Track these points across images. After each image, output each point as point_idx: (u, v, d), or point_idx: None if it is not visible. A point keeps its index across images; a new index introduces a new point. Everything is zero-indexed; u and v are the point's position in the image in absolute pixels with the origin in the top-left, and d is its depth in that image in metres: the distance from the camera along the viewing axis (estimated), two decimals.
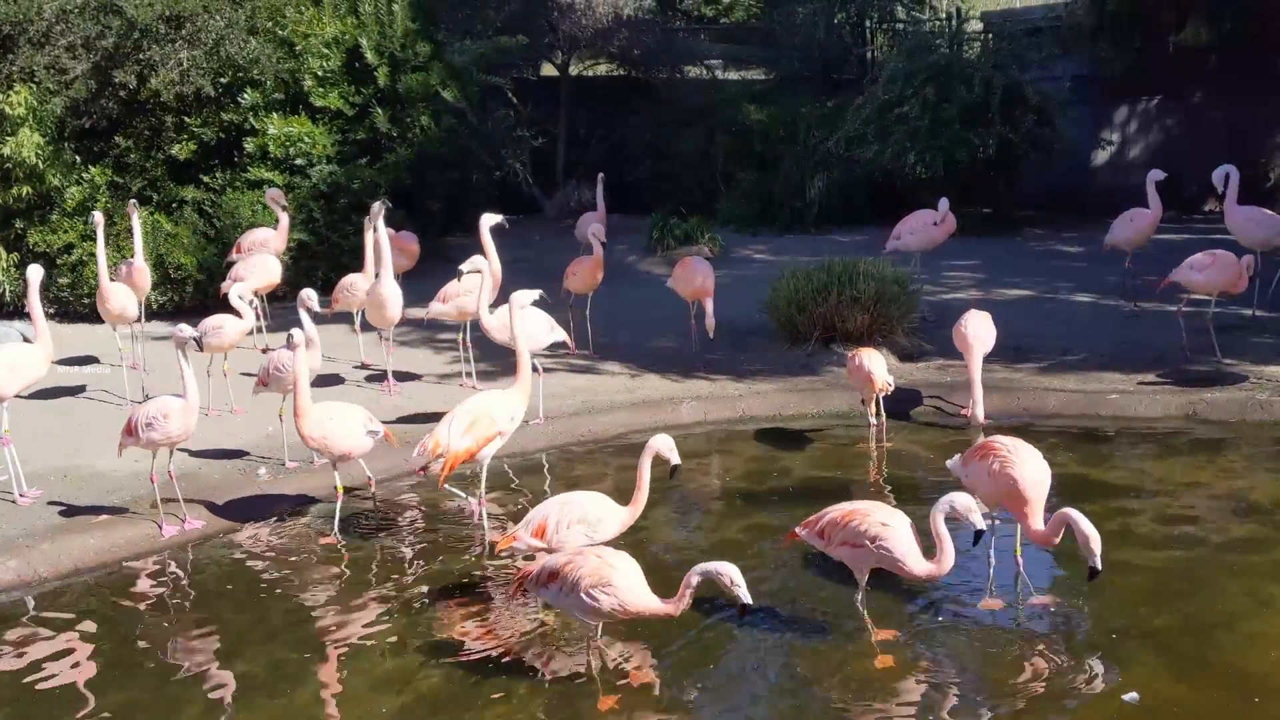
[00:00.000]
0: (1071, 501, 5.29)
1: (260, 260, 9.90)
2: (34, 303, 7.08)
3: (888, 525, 4.82)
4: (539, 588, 4.79)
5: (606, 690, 4.66)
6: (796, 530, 5.21)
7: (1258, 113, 15.34)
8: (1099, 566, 4.70)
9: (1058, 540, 4.96)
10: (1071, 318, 10.25)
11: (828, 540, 5.01)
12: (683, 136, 16.78)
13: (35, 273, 7.26)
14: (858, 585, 5.05)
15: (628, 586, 4.56)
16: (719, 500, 6.94)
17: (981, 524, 4.72)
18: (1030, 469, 5.08)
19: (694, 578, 4.47)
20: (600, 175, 12.16)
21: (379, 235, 8.53)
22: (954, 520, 4.73)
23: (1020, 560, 5.43)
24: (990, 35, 16.84)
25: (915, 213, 10.76)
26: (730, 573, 4.42)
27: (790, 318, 9.52)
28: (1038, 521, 5.01)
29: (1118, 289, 10.69)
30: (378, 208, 8.68)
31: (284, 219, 10.42)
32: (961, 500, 4.72)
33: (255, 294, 9.50)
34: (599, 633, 4.85)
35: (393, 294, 8.47)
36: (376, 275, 8.65)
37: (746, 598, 4.43)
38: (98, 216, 8.99)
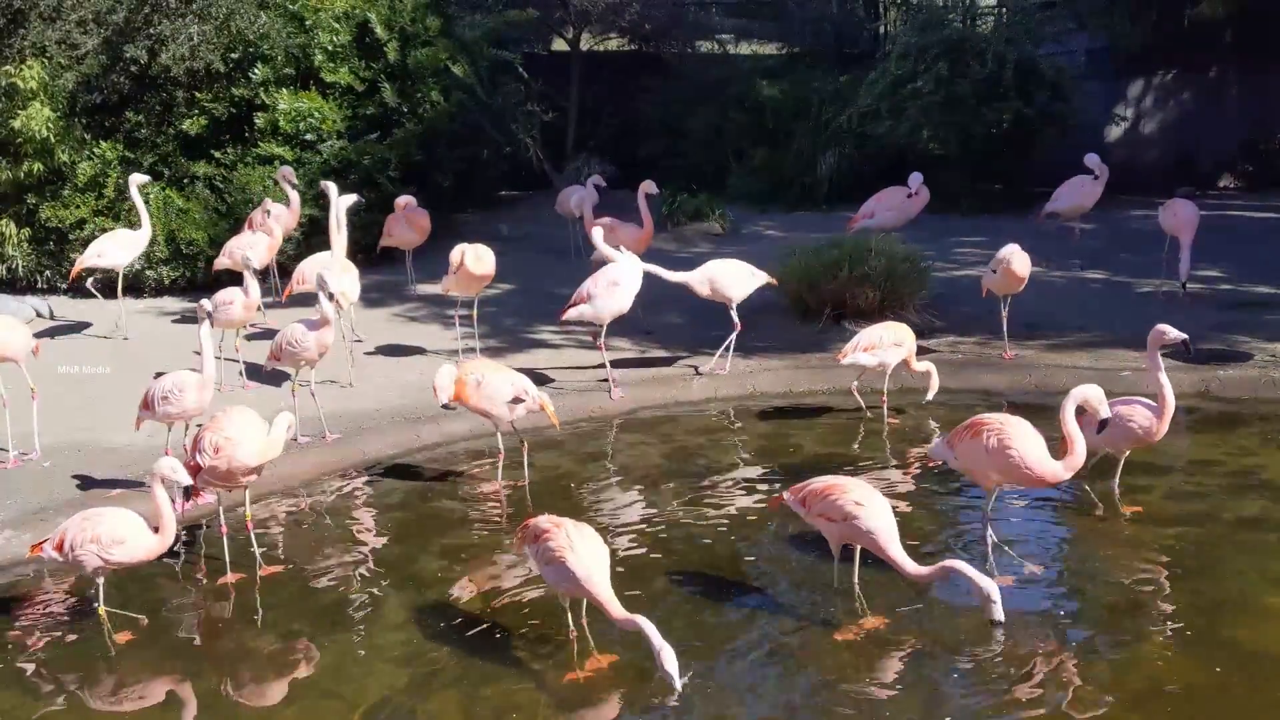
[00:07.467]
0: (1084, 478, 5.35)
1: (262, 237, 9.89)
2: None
3: (862, 505, 4.92)
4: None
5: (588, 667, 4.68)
6: (784, 495, 5.33)
7: (1274, 87, 15.20)
8: None
9: (1068, 477, 5.26)
10: (1084, 295, 10.21)
11: (808, 509, 5.14)
12: (694, 112, 16.70)
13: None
14: (852, 563, 5.19)
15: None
16: (730, 476, 6.94)
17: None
18: (1025, 439, 5.23)
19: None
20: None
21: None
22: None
23: (992, 535, 5.52)
24: (1004, 9, 16.70)
25: (888, 189, 10.56)
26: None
27: (800, 295, 9.50)
28: (1049, 469, 5.22)
29: (1131, 267, 10.67)
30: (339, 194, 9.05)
31: (294, 197, 10.41)
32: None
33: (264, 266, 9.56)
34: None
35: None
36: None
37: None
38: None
